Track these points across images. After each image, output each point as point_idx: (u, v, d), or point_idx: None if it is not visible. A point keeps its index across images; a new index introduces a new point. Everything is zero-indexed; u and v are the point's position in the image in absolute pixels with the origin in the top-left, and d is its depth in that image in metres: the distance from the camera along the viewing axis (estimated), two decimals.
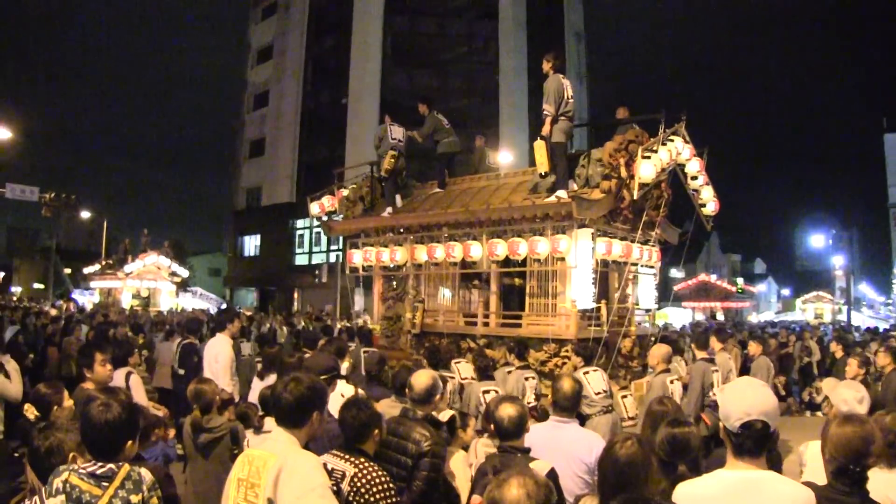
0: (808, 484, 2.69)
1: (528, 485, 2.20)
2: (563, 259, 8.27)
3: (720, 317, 39.85)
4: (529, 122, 37.78)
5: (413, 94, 36.66)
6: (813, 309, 45.50)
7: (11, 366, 6.66)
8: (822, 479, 2.93)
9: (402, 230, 10.17)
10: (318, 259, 38.66)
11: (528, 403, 6.79)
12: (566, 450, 4.12)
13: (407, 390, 4.57)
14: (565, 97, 8.38)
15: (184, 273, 33.91)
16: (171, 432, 5.26)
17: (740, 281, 47.66)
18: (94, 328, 14.81)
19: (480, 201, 9.27)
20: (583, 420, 6.36)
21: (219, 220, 56.22)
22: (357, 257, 10.61)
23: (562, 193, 8.10)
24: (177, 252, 37.43)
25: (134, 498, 2.70)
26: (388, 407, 4.81)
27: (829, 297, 46.00)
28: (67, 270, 48.67)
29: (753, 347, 9.21)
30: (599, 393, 6.68)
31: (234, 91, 49.84)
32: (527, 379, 7.10)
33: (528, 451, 3.77)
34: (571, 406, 4.39)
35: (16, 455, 3.98)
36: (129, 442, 2.89)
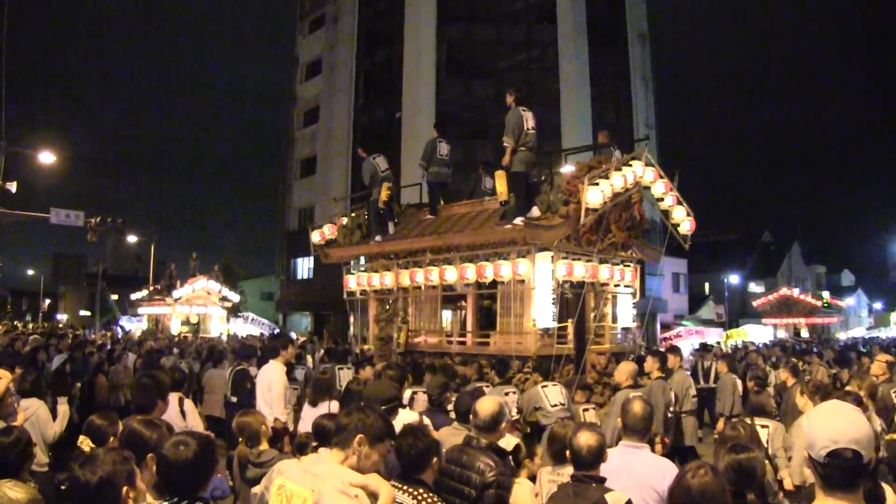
0: None
1: None
2: (522, 281, 9.62)
3: (805, 333, 39.25)
4: (593, 129, 38.09)
5: (470, 106, 38.05)
6: None
7: (63, 408, 7.01)
8: None
9: (391, 256, 11.71)
10: None
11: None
12: (639, 477, 4.11)
13: (471, 417, 4.68)
14: (525, 129, 9.75)
15: (235, 298, 35.12)
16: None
17: (826, 294, 46.14)
18: (141, 356, 15.50)
19: (459, 227, 10.73)
20: (539, 430, 7.63)
21: (270, 243, 57.43)
22: (352, 282, 12.20)
23: (518, 221, 9.47)
24: (227, 276, 38.99)
25: None
26: (450, 434, 4.83)
27: None
28: (114, 297, 50.18)
29: (720, 364, 10.11)
30: (556, 405, 7.90)
31: (284, 107, 51.43)
32: (506, 394, 8.17)
33: (603, 480, 3.78)
34: (643, 429, 4.36)
35: (63, 488, 4.28)
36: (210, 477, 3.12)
